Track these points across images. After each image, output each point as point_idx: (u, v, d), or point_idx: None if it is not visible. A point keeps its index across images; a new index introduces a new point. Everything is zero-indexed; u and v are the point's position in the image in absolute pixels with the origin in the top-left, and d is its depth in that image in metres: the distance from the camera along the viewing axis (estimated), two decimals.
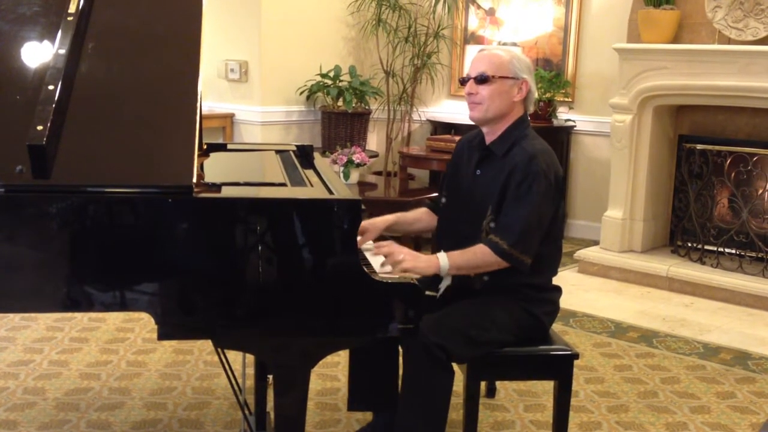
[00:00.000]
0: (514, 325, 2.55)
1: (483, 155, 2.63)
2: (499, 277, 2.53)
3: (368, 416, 2.97)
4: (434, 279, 2.57)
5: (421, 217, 2.86)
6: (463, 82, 2.61)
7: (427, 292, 2.61)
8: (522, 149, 2.54)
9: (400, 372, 2.59)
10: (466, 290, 2.58)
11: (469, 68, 2.62)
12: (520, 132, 2.59)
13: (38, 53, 2.21)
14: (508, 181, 2.50)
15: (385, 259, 2.42)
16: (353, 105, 6.13)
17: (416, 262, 2.41)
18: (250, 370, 3.07)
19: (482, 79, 2.55)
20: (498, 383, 3.33)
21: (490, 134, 2.62)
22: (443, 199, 2.78)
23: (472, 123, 2.71)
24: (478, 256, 2.47)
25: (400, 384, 2.50)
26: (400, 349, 2.62)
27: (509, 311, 2.55)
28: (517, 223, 2.46)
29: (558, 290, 2.71)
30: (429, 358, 2.38)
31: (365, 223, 2.71)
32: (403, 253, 2.41)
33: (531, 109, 2.68)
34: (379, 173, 6.37)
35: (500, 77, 2.56)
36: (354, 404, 2.84)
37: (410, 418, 2.43)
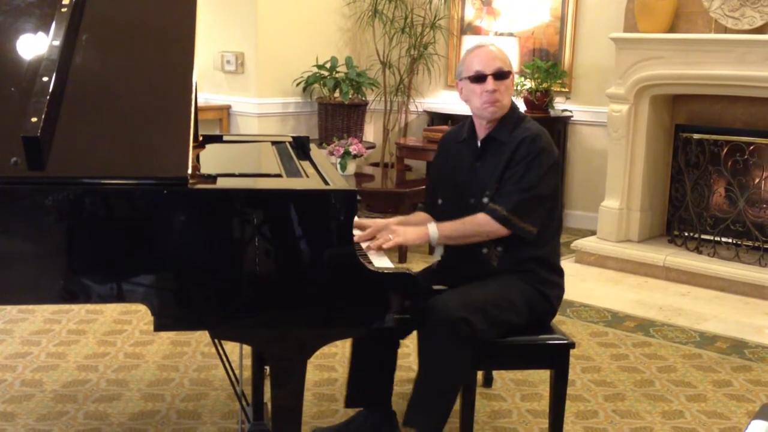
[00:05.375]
0: (526, 308, 2.58)
1: (485, 146, 2.65)
2: (512, 248, 2.57)
3: None
4: (436, 274, 2.63)
5: (422, 219, 2.85)
6: (478, 79, 2.59)
7: (435, 287, 2.63)
8: (525, 129, 2.61)
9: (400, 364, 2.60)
10: (484, 266, 2.60)
11: (478, 66, 2.59)
12: (517, 115, 2.66)
13: (33, 45, 2.20)
14: (512, 157, 2.56)
15: (374, 242, 2.44)
16: (350, 96, 6.12)
17: (406, 235, 2.50)
18: (248, 361, 3.07)
19: (502, 75, 2.60)
20: (495, 373, 3.34)
21: (491, 125, 2.64)
22: (439, 201, 2.78)
23: (468, 114, 2.73)
24: (471, 224, 2.54)
25: (419, 359, 2.52)
26: (404, 342, 2.63)
27: (524, 293, 2.58)
28: (518, 191, 2.52)
29: (563, 273, 2.76)
30: (454, 333, 2.38)
31: (368, 223, 2.71)
32: (390, 232, 2.46)
33: None
34: (376, 164, 6.38)
35: (510, 72, 2.63)
36: (352, 403, 2.84)
37: (426, 394, 2.45)
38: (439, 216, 2.77)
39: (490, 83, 2.58)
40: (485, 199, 2.57)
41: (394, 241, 2.44)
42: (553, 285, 2.67)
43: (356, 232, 2.53)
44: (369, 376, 2.81)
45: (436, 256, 2.71)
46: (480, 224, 2.53)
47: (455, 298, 2.42)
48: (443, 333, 2.39)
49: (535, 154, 2.55)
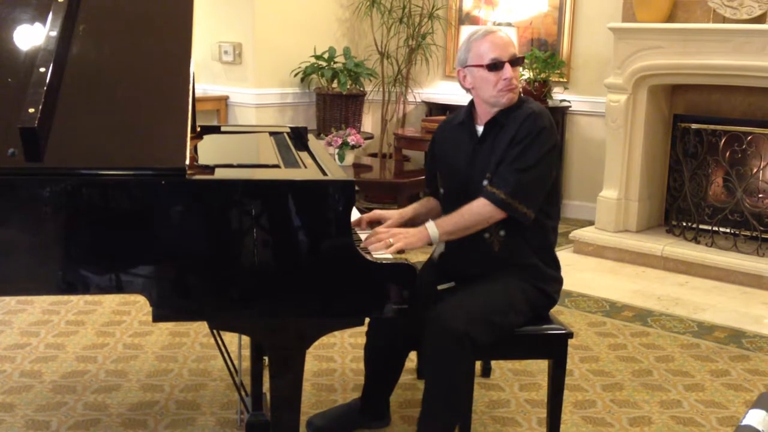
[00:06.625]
0: (527, 307, 2.57)
1: (487, 129, 2.61)
2: (514, 233, 2.55)
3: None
4: (438, 268, 2.63)
5: (433, 205, 2.83)
6: (495, 66, 2.53)
7: (440, 287, 2.62)
8: (527, 108, 2.58)
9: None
10: (485, 251, 2.58)
11: (494, 52, 2.54)
12: (519, 97, 2.62)
13: (29, 35, 2.20)
14: (515, 135, 2.52)
15: (375, 245, 2.41)
16: (348, 87, 6.11)
17: (407, 239, 2.41)
18: (246, 352, 3.08)
19: (518, 61, 2.58)
20: (493, 363, 3.34)
21: (496, 110, 2.60)
22: (441, 190, 2.75)
23: (464, 104, 2.72)
24: (470, 213, 2.49)
25: (424, 373, 2.53)
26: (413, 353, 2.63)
27: (525, 292, 2.57)
28: (515, 172, 2.48)
29: (560, 264, 2.74)
30: (457, 348, 2.37)
31: (384, 214, 2.69)
32: (391, 235, 2.40)
33: None
34: (374, 155, 6.37)
35: (523, 57, 2.58)
36: (370, 410, 2.86)
37: (435, 405, 2.45)
38: (443, 205, 2.76)
39: (508, 70, 2.54)
40: (485, 182, 2.53)
41: (395, 246, 2.37)
42: (553, 280, 2.65)
43: (364, 234, 2.53)
44: (384, 386, 2.85)
45: (437, 254, 2.69)
46: (479, 212, 2.48)
47: (458, 310, 2.40)
48: (446, 348, 2.38)
49: (535, 133, 2.50)
